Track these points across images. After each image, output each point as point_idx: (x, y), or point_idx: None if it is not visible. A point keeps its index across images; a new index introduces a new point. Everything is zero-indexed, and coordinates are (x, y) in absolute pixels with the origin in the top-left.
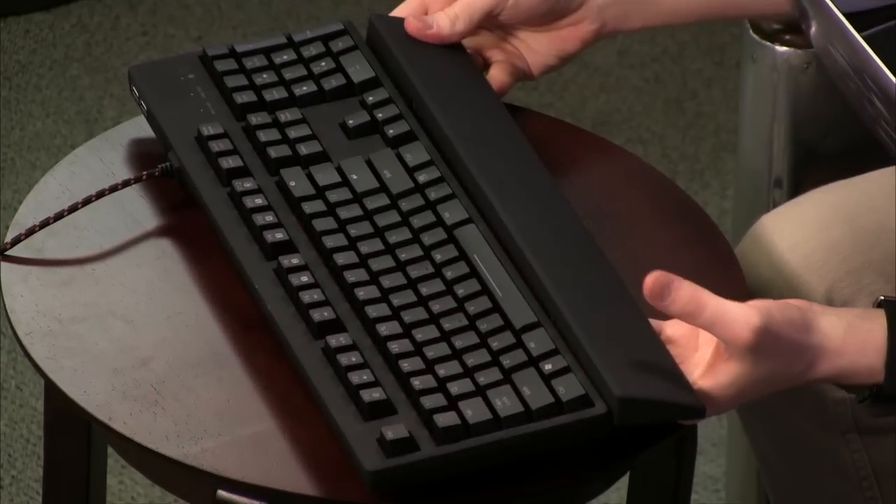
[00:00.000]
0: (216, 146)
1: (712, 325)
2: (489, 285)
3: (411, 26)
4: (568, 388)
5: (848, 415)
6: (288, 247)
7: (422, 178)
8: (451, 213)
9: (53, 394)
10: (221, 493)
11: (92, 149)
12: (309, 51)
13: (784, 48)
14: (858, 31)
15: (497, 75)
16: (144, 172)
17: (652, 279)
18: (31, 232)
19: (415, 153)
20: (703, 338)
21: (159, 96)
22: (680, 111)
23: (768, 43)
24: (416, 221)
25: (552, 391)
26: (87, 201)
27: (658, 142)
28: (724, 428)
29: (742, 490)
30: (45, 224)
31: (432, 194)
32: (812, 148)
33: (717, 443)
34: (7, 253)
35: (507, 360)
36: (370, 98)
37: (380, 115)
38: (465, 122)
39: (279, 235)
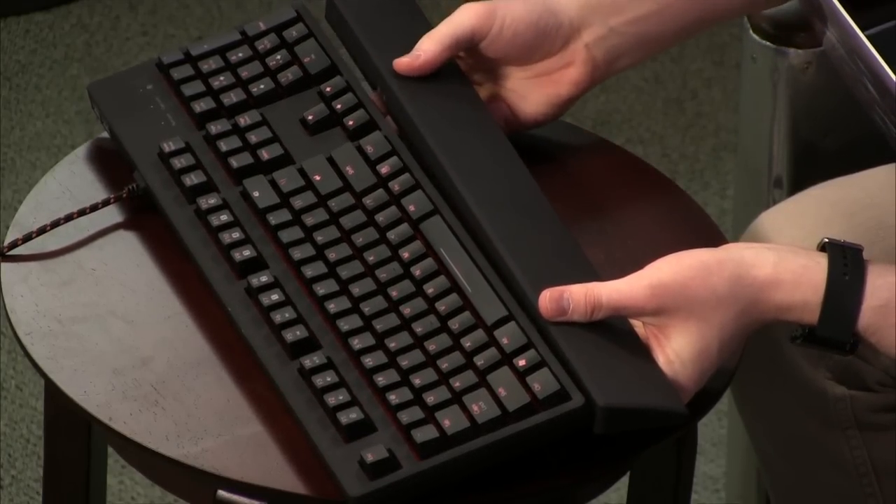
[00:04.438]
0: (178, 162)
1: (615, 308)
2: (458, 280)
3: (401, 66)
4: (543, 384)
5: (848, 412)
6: (256, 264)
7: (384, 170)
8: (416, 205)
9: (53, 394)
10: (221, 493)
11: (92, 149)
12: (264, 44)
13: (784, 48)
14: (856, 23)
15: None
16: (112, 195)
17: (545, 300)
18: (27, 238)
19: (376, 144)
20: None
21: (119, 113)
22: (680, 111)
23: (768, 43)
24: (382, 219)
25: (527, 389)
26: (68, 218)
27: (658, 142)
28: (724, 428)
29: (742, 490)
30: (42, 231)
31: (396, 187)
32: (812, 147)
33: (717, 443)
34: (7, 253)
35: (480, 361)
36: (328, 89)
37: (338, 106)
38: (428, 103)
39: (246, 253)
